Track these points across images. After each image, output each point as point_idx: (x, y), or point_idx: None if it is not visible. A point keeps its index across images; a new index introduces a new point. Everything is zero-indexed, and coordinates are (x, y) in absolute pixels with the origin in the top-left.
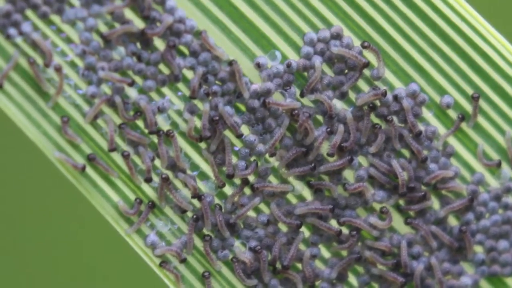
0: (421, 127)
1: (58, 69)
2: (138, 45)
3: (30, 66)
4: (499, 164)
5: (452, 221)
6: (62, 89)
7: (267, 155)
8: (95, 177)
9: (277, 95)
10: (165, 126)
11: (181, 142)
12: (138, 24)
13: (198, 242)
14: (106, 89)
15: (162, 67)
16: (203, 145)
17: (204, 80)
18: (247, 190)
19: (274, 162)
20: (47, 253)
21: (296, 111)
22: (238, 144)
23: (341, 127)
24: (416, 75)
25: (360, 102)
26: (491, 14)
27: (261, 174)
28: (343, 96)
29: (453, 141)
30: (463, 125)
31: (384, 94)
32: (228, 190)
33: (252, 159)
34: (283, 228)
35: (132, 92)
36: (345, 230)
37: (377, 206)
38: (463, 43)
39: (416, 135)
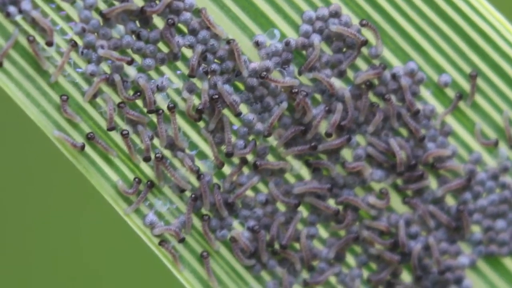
0: (419, 105)
1: (73, 45)
2: (138, 23)
3: (30, 44)
4: (496, 143)
5: (450, 201)
6: (66, 61)
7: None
8: (94, 156)
9: (276, 74)
10: (164, 105)
11: (180, 121)
12: (138, 2)
13: (196, 222)
14: (105, 67)
15: (161, 45)
16: (202, 124)
17: (203, 59)
18: (245, 169)
19: (272, 141)
20: (44, 232)
21: (294, 89)
22: (236, 123)
23: (339, 106)
24: (414, 53)
25: (358, 80)
26: None
27: (260, 153)
28: (341, 75)
29: (451, 120)
30: (461, 104)
31: (384, 68)
32: (226, 169)
33: (250, 138)
34: (282, 207)
35: (131, 71)
36: (343, 209)
37: (375, 185)
38: (461, 21)
39: (414, 114)
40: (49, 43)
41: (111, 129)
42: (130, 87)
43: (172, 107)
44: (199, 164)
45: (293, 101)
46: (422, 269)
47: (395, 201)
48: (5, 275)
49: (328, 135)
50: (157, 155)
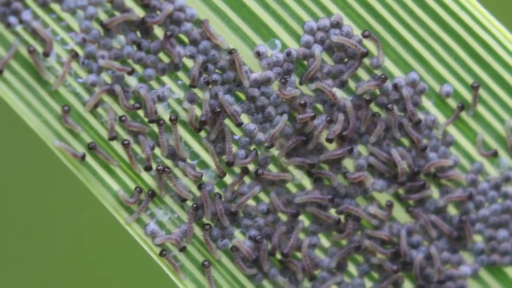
0: (420, 115)
1: (74, 56)
2: (138, 33)
3: (30, 55)
4: (495, 154)
5: (452, 210)
6: (67, 71)
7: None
8: (95, 166)
9: (277, 84)
10: (165, 114)
11: (181, 131)
12: (138, 12)
13: (198, 231)
14: (106, 77)
15: (162, 55)
16: (203, 133)
17: (204, 69)
18: (247, 179)
19: (273, 151)
20: (45, 242)
21: (302, 101)
22: (238, 133)
23: (341, 116)
24: (415, 64)
25: (360, 90)
26: (491, 3)
27: (261, 163)
28: (342, 85)
29: (452, 130)
30: (463, 114)
31: (384, 79)
32: (228, 179)
33: (252, 148)
34: (283, 217)
35: (132, 81)
36: (345, 219)
37: (377, 195)
38: (463, 32)
39: (416, 124)
40: (47, 54)
41: (112, 138)
42: (131, 97)
43: (174, 119)
44: (200, 173)
45: (295, 111)
46: (424, 279)
47: (397, 210)
48: (7, 285)
49: (329, 140)
50: (159, 167)
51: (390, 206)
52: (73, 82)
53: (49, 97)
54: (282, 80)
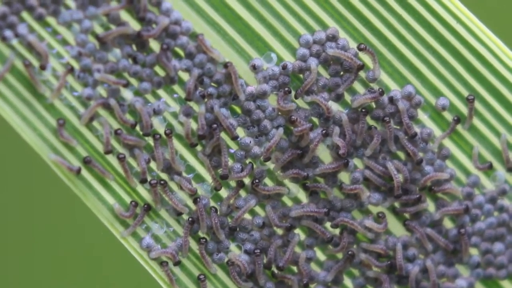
0: (416, 129)
1: (70, 70)
2: (134, 47)
3: (26, 68)
4: (490, 167)
5: (448, 224)
6: (63, 84)
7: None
8: (90, 180)
9: (273, 97)
10: (160, 128)
11: (177, 144)
12: (134, 26)
13: (194, 245)
14: (102, 91)
15: (157, 69)
16: (198, 147)
17: (200, 82)
18: (242, 193)
19: (269, 164)
20: (40, 255)
21: (294, 117)
22: (233, 147)
23: (336, 129)
24: (411, 77)
25: (355, 104)
26: (486, 16)
27: (257, 176)
28: (338, 98)
29: (448, 143)
30: (459, 127)
31: (382, 93)
32: (223, 192)
33: (247, 161)
34: (279, 231)
35: (128, 94)
36: (340, 232)
37: (373, 209)
38: (458, 45)
39: (412, 137)
40: (43, 67)
41: (107, 152)
42: (126, 110)
43: (169, 133)
44: (196, 187)
45: (291, 124)
46: None
47: (393, 223)
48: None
49: (342, 155)
50: (152, 181)
51: (383, 217)
52: (69, 96)
53: (45, 111)
54: (285, 89)
